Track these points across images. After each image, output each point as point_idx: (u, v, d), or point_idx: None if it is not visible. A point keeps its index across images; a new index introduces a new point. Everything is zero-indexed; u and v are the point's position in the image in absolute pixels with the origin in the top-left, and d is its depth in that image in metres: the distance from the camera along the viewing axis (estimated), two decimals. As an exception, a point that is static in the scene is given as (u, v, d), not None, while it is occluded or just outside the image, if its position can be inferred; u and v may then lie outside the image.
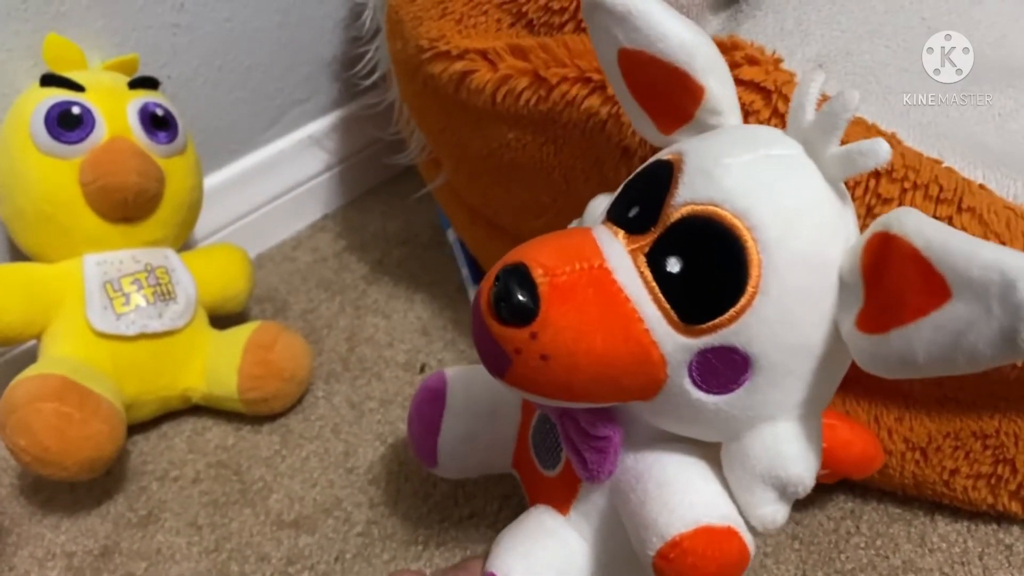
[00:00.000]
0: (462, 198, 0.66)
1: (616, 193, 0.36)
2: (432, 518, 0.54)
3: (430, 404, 0.47)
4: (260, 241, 0.79)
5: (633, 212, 0.33)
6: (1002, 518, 0.52)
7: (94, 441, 0.50)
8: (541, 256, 0.32)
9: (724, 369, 0.31)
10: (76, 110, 0.55)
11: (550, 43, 0.48)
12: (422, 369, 0.66)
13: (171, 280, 0.59)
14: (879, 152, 0.29)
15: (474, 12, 0.51)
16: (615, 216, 0.34)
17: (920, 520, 0.53)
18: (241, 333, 0.61)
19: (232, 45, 0.70)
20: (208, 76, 0.69)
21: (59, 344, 0.55)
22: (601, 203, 0.38)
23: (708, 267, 0.31)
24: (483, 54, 0.50)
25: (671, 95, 0.35)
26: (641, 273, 0.31)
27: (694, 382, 0.32)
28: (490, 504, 0.54)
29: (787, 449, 0.32)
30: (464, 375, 0.48)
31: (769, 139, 0.32)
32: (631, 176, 0.35)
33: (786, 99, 0.41)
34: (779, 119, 0.41)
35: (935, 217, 0.41)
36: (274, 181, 0.79)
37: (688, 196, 0.31)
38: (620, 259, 0.32)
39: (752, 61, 0.42)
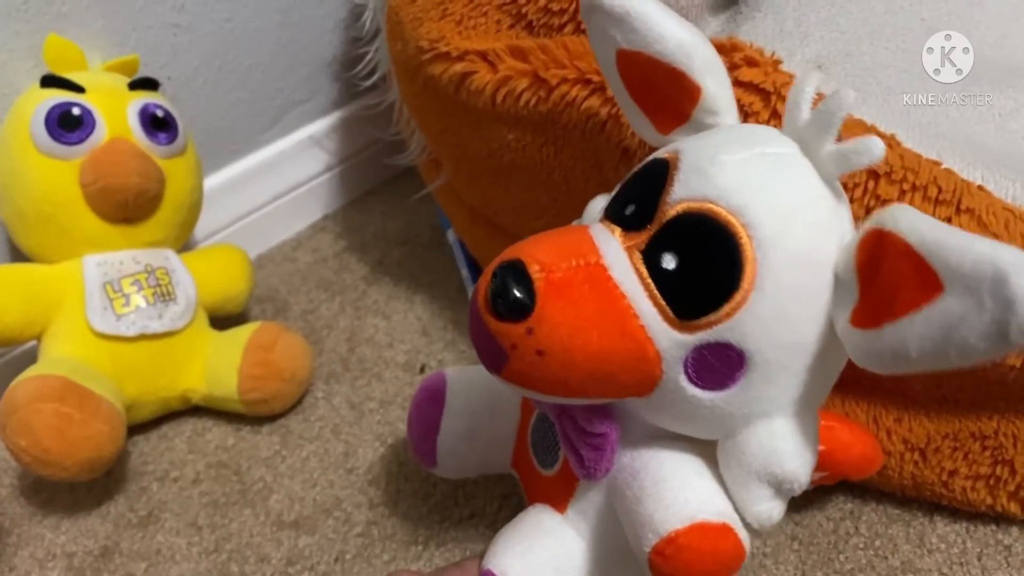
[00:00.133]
0: (462, 199, 0.66)
1: (614, 192, 0.36)
2: (432, 518, 0.54)
3: (429, 404, 0.47)
4: (260, 242, 0.79)
5: (629, 210, 0.33)
6: (1001, 519, 0.52)
7: (94, 442, 0.51)
8: (538, 253, 0.32)
9: (720, 366, 0.31)
10: (76, 111, 0.55)
11: (550, 44, 0.48)
12: (422, 370, 0.66)
13: (171, 281, 0.59)
14: (873, 150, 0.29)
15: (474, 13, 0.51)
16: (612, 214, 0.34)
17: (919, 521, 0.53)
18: (241, 334, 0.61)
19: (232, 46, 0.70)
20: (208, 77, 0.69)
21: (59, 345, 0.55)
22: (600, 203, 0.38)
23: (703, 264, 0.31)
24: (483, 55, 0.50)
25: (669, 95, 0.35)
26: (637, 270, 0.32)
27: (690, 379, 0.32)
28: (490, 504, 0.54)
29: (783, 446, 0.33)
30: (463, 375, 0.48)
31: (765, 138, 0.33)
32: (628, 175, 0.36)
33: (785, 100, 0.41)
34: (778, 120, 0.41)
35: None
36: (274, 181, 0.79)
37: (683, 193, 0.31)
38: (616, 256, 0.32)
39: (751, 63, 0.42)
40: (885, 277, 0.28)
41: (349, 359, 0.67)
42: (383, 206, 0.86)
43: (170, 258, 0.60)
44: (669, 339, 0.31)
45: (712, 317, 0.30)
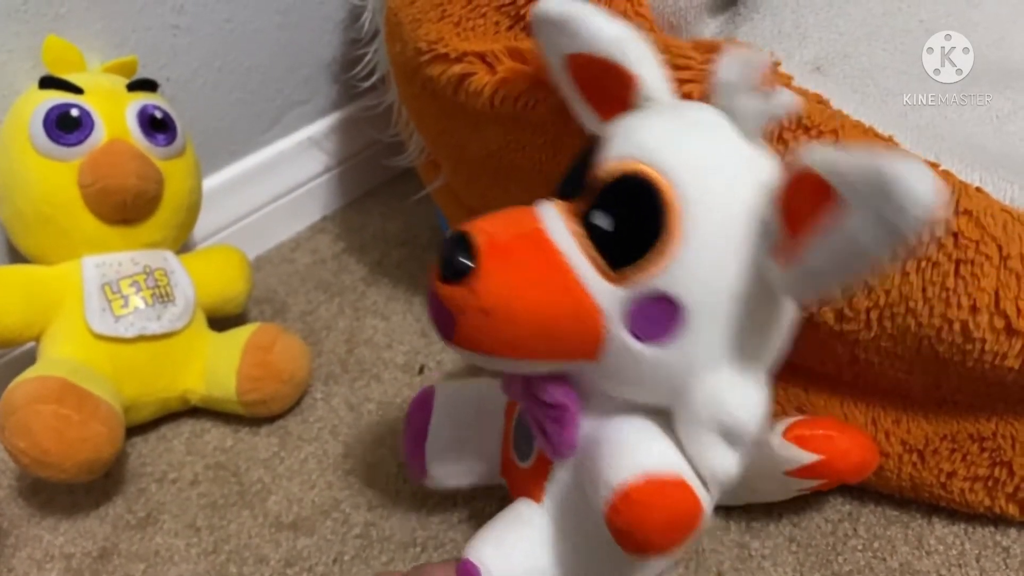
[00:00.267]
0: (461, 199, 0.66)
1: None
2: (430, 520, 0.54)
3: (419, 412, 0.49)
4: (259, 243, 0.79)
5: (568, 183, 0.37)
6: (999, 520, 0.52)
7: (93, 443, 0.51)
8: (484, 224, 0.35)
9: (658, 317, 0.33)
10: (75, 112, 0.55)
11: (548, 46, 0.48)
12: (421, 370, 0.66)
13: (170, 282, 0.59)
14: (783, 99, 0.32)
15: (472, 15, 0.51)
16: (556, 191, 0.37)
17: (917, 522, 0.53)
18: (240, 335, 0.61)
19: (231, 47, 0.70)
20: (207, 78, 0.69)
21: (58, 346, 0.55)
22: None
23: (630, 216, 0.33)
24: (481, 57, 0.50)
25: (610, 87, 0.38)
26: (573, 230, 0.34)
27: (633, 333, 0.34)
28: (488, 506, 0.54)
29: (728, 396, 0.34)
30: (451, 386, 0.51)
31: (688, 106, 0.37)
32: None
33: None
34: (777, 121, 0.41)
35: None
36: (273, 183, 0.79)
37: (611, 157, 0.34)
38: (555, 222, 0.35)
39: (750, 64, 0.42)
40: (797, 208, 0.30)
41: (348, 360, 0.67)
42: (382, 207, 0.86)
43: (169, 259, 0.60)
44: (606, 292, 0.33)
45: (643, 267, 0.33)
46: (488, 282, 0.33)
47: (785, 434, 0.45)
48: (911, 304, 0.43)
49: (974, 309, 0.42)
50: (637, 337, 0.34)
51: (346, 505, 0.55)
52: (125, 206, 0.56)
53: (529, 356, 0.35)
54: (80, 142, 0.55)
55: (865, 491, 0.54)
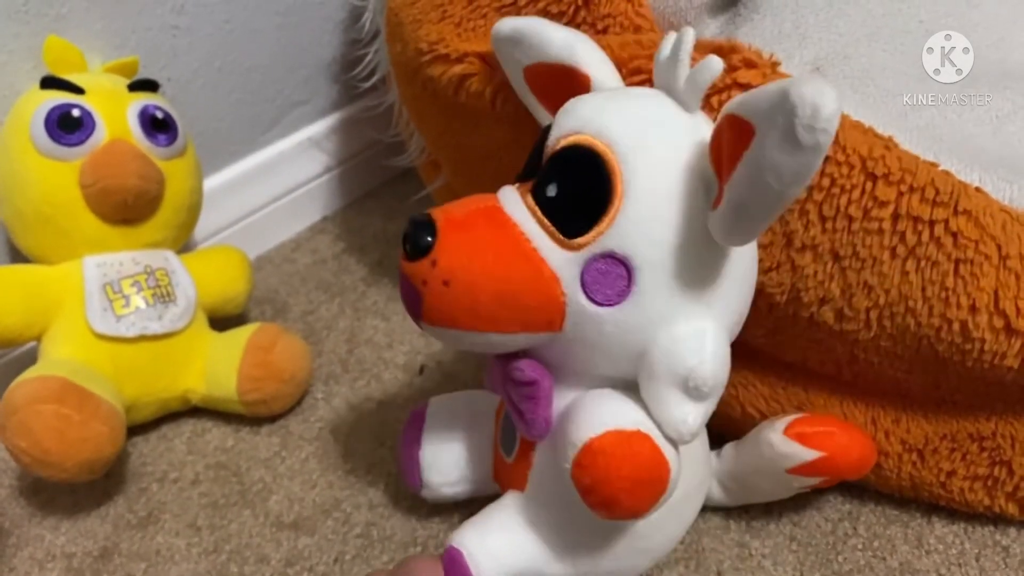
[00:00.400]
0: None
1: None
2: (431, 520, 0.54)
3: (412, 423, 0.51)
4: (260, 243, 0.79)
5: (526, 168, 0.39)
6: (999, 520, 0.52)
7: (94, 443, 0.51)
8: (446, 208, 0.37)
9: (610, 277, 0.35)
10: (76, 112, 0.55)
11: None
12: (421, 370, 0.66)
13: (171, 282, 0.59)
14: (711, 65, 0.34)
15: (473, 15, 0.52)
16: (516, 178, 0.39)
17: (917, 522, 0.53)
18: (241, 335, 0.61)
19: (232, 47, 0.70)
20: (208, 78, 0.70)
21: (59, 346, 0.55)
22: None
23: (576, 183, 0.35)
24: (482, 57, 0.50)
25: (566, 90, 0.40)
26: (527, 204, 0.36)
27: (589, 297, 0.35)
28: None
29: (683, 347, 0.35)
30: (444, 398, 0.52)
31: (631, 86, 0.40)
32: None
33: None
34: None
35: (931, 219, 0.41)
36: (274, 183, 0.79)
37: (556, 134, 0.37)
38: (511, 199, 0.37)
39: (750, 64, 0.42)
40: (723, 151, 0.32)
41: (348, 360, 0.67)
42: (382, 207, 0.86)
43: (170, 259, 0.60)
44: (562, 260, 0.35)
45: (593, 230, 0.34)
46: (447, 254, 0.35)
47: (786, 431, 0.46)
48: (910, 304, 0.43)
49: (973, 309, 0.42)
50: (594, 300, 0.35)
51: (347, 505, 0.55)
52: (126, 206, 0.56)
53: (494, 328, 0.36)
54: (81, 142, 0.55)
55: (865, 490, 0.54)
